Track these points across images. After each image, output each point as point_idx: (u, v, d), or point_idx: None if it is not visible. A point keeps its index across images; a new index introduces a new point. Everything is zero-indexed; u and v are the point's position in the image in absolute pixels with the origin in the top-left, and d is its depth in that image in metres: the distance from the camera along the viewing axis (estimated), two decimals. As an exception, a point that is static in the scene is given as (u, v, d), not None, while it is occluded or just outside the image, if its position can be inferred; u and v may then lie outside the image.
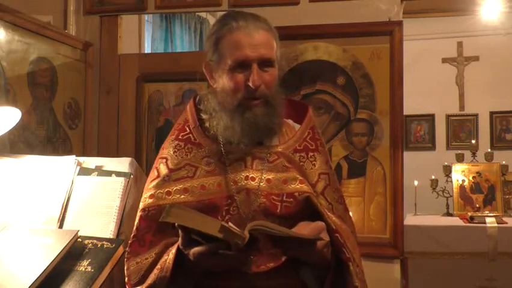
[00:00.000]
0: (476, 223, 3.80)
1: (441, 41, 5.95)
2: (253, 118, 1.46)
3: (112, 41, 3.03)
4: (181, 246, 1.34)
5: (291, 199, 1.46)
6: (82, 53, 2.92)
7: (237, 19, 1.46)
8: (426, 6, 5.36)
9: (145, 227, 1.47)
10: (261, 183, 1.46)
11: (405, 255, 3.02)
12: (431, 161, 5.29)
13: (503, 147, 5.80)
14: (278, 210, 1.45)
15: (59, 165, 1.82)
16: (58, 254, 1.53)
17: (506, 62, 5.79)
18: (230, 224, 1.30)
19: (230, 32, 1.45)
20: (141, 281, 1.42)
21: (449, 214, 4.20)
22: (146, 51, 4.01)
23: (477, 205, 4.10)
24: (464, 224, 3.84)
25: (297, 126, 1.61)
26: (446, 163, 4.40)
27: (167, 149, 1.55)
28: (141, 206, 1.50)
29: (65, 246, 1.55)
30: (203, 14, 4.85)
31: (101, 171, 1.80)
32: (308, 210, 1.46)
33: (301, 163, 1.53)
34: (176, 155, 1.52)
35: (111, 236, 1.66)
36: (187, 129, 1.55)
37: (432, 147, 6.17)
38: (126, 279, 1.45)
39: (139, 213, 1.50)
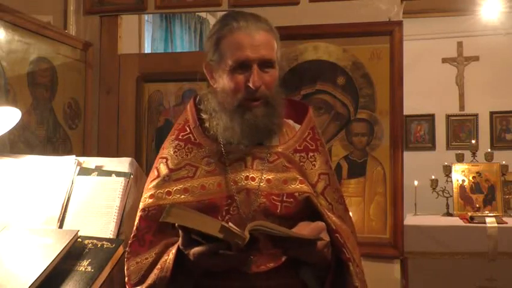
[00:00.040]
0: (476, 223, 3.80)
1: (441, 41, 5.96)
2: (253, 119, 1.46)
3: (112, 41, 3.03)
4: (181, 246, 1.34)
5: (291, 199, 1.46)
6: (82, 53, 2.92)
7: (237, 19, 1.46)
8: (426, 6, 5.36)
9: (145, 227, 1.47)
10: (261, 183, 1.46)
11: (405, 255, 3.02)
12: (431, 161, 5.29)
13: (503, 147, 5.80)
14: (278, 211, 1.45)
15: (59, 165, 1.82)
16: (58, 254, 1.53)
17: (506, 62, 5.79)
18: (230, 224, 1.30)
19: (231, 33, 1.45)
20: (141, 280, 1.42)
21: (449, 214, 4.20)
22: (146, 51, 4.01)
23: (477, 205, 4.10)
24: (464, 224, 3.84)
25: (297, 126, 1.61)
26: (446, 163, 4.40)
27: (167, 149, 1.55)
28: (141, 206, 1.50)
29: (65, 246, 1.55)
30: (203, 14, 4.85)
31: (101, 171, 1.80)
32: (308, 211, 1.46)
33: (301, 163, 1.53)
34: (176, 155, 1.52)
35: (111, 236, 1.66)
36: (187, 129, 1.55)
37: (432, 147, 6.17)
38: (126, 279, 1.45)
39: (139, 213, 1.50)
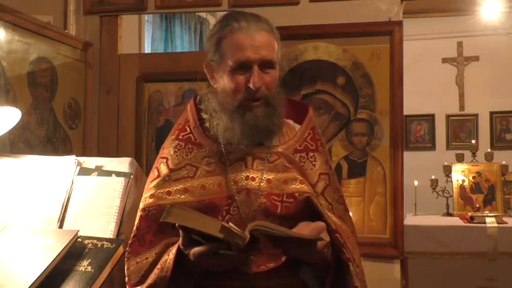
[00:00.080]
0: (476, 223, 3.80)
1: (441, 41, 5.95)
2: (253, 119, 1.46)
3: (112, 41, 3.03)
4: (181, 246, 1.34)
5: (292, 199, 1.46)
6: (82, 53, 2.92)
7: (238, 20, 1.46)
8: (426, 6, 5.36)
9: (145, 227, 1.47)
10: (261, 184, 1.46)
11: (405, 255, 3.02)
12: (431, 161, 5.29)
13: (503, 147, 5.80)
14: (278, 211, 1.45)
15: (59, 165, 1.82)
16: (58, 254, 1.53)
17: (506, 62, 5.79)
18: (231, 224, 1.30)
19: (231, 33, 1.45)
20: (141, 280, 1.42)
21: (449, 214, 4.20)
22: (146, 51, 4.01)
23: (477, 205, 4.10)
24: (464, 224, 3.84)
25: (297, 126, 1.61)
26: (446, 163, 4.40)
27: (167, 149, 1.55)
28: (141, 205, 1.50)
29: (65, 246, 1.55)
30: (203, 14, 4.85)
31: (101, 171, 1.80)
32: (308, 211, 1.46)
33: (301, 163, 1.53)
34: (176, 155, 1.52)
35: (111, 236, 1.66)
36: (188, 129, 1.55)
37: (432, 147, 6.17)
38: (126, 279, 1.45)
39: (139, 213, 1.50)
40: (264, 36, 1.46)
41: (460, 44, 6.08)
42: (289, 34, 2.66)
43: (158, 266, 1.40)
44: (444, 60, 6.14)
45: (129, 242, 1.48)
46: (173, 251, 1.39)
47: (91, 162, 1.85)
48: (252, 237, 1.26)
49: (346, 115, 2.75)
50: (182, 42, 4.58)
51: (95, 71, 3.00)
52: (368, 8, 2.75)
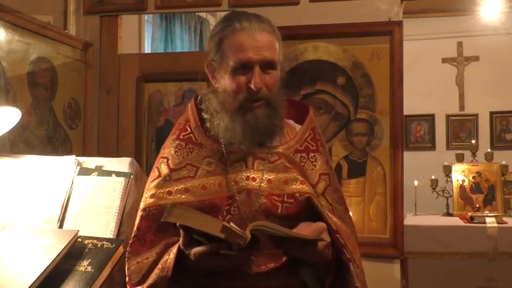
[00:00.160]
0: (476, 223, 3.80)
1: (441, 41, 5.95)
2: (254, 120, 1.46)
3: (112, 41, 3.03)
4: (182, 246, 1.34)
5: (292, 200, 1.46)
6: (82, 53, 2.92)
7: (240, 20, 1.46)
8: (426, 6, 5.36)
9: (145, 227, 1.47)
10: (262, 184, 1.46)
11: (405, 255, 3.02)
12: (431, 161, 5.28)
13: (503, 147, 5.80)
14: (279, 211, 1.45)
15: (59, 165, 1.82)
16: (58, 254, 1.53)
17: (506, 62, 5.79)
18: (231, 224, 1.30)
19: (233, 33, 1.45)
20: (142, 280, 1.42)
21: (449, 214, 4.20)
22: (146, 51, 4.01)
23: (477, 205, 4.10)
24: (464, 224, 3.84)
25: (298, 126, 1.61)
26: (446, 163, 4.40)
27: (168, 149, 1.55)
28: (142, 205, 1.50)
29: (65, 246, 1.55)
30: (203, 14, 4.85)
31: (101, 171, 1.80)
32: (309, 211, 1.46)
33: (302, 164, 1.53)
34: (177, 155, 1.52)
35: (111, 236, 1.66)
36: (188, 129, 1.55)
37: (432, 147, 6.17)
38: (127, 278, 1.45)
39: (139, 213, 1.50)
40: (266, 36, 1.46)
41: (460, 44, 6.08)
42: (289, 34, 2.65)
43: (159, 265, 1.40)
44: (444, 60, 6.14)
45: (130, 241, 1.48)
46: (174, 250, 1.39)
47: (91, 162, 1.85)
48: (253, 237, 1.26)
49: (346, 115, 2.75)
50: (182, 42, 4.58)
51: (95, 71, 3.00)
52: (368, 8, 2.75)
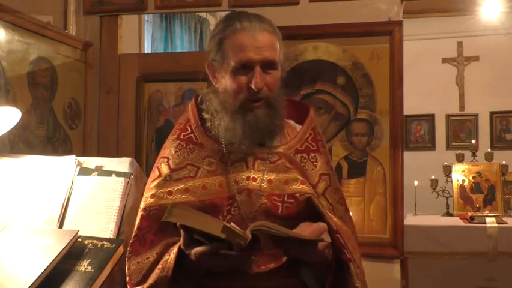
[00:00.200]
0: (476, 223, 3.80)
1: (441, 41, 5.95)
2: (254, 120, 1.46)
3: (112, 41, 3.03)
4: (182, 246, 1.34)
5: (292, 200, 1.46)
6: (82, 53, 2.91)
7: (241, 20, 1.46)
8: (426, 6, 5.36)
9: (146, 227, 1.47)
10: (262, 184, 1.46)
11: (405, 255, 3.02)
12: (431, 161, 5.28)
13: (503, 147, 5.80)
14: (279, 211, 1.45)
15: (59, 165, 1.82)
16: (58, 254, 1.53)
17: (506, 62, 5.79)
18: (232, 224, 1.30)
19: (234, 33, 1.45)
20: (142, 280, 1.42)
21: (449, 214, 4.20)
22: (146, 51, 4.01)
23: (477, 205, 4.10)
24: (464, 224, 3.84)
25: (298, 127, 1.61)
26: (446, 163, 4.40)
27: (168, 149, 1.55)
28: (142, 205, 1.50)
29: (65, 246, 1.55)
30: (203, 14, 4.85)
31: (101, 171, 1.80)
32: (309, 211, 1.46)
33: (302, 164, 1.53)
34: (178, 155, 1.52)
35: (111, 236, 1.66)
36: (189, 128, 1.55)
37: (432, 147, 6.17)
38: (127, 278, 1.45)
39: (140, 213, 1.50)
40: (267, 36, 1.46)
41: (460, 44, 6.08)
42: (289, 34, 2.64)
43: (159, 265, 1.40)
44: (444, 60, 6.14)
45: (130, 241, 1.48)
46: (174, 250, 1.39)
47: (91, 162, 1.85)
48: (254, 238, 1.26)
49: (346, 115, 2.75)
50: (182, 42, 4.58)
51: (95, 71, 3.00)
52: (368, 8, 2.75)
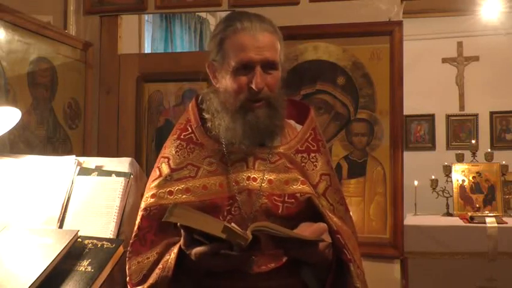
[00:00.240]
0: (476, 223, 3.80)
1: (441, 41, 5.96)
2: (255, 120, 1.46)
3: (112, 41, 3.03)
4: (183, 246, 1.34)
5: (293, 200, 1.46)
6: (82, 53, 2.91)
7: (241, 20, 1.46)
8: (426, 6, 5.35)
9: (146, 227, 1.47)
10: (262, 184, 1.46)
11: (405, 255, 3.01)
12: (431, 161, 5.28)
13: (503, 147, 5.80)
14: (280, 211, 1.45)
15: (59, 165, 1.82)
16: (58, 254, 1.53)
17: (506, 62, 5.79)
18: (233, 224, 1.30)
19: (234, 33, 1.45)
20: (143, 280, 1.42)
21: (449, 214, 4.20)
22: (146, 51, 4.01)
23: (477, 205, 4.10)
24: (464, 224, 3.84)
25: (298, 127, 1.61)
26: (446, 163, 4.40)
27: (169, 149, 1.55)
28: (143, 205, 1.50)
29: (65, 246, 1.55)
30: (203, 14, 4.85)
31: (101, 171, 1.80)
32: (309, 211, 1.46)
33: (302, 164, 1.53)
34: (178, 155, 1.52)
35: (111, 236, 1.66)
36: (189, 128, 1.55)
37: (432, 147, 6.17)
38: (127, 278, 1.45)
39: (140, 213, 1.50)
40: (267, 37, 1.46)
41: (460, 44, 6.08)
42: (289, 34, 2.63)
43: (160, 265, 1.40)
44: (444, 60, 6.14)
45: (130, 241, 1.48)
46: (174, 250, 1.39)
47: (91, 162, 1.85)
48: (254, 238, 1.26)
49: (346, 115, 2.75)
50: (182, 42, 4.58)
51: (95, 71, 3.00)
52: (368, 8, 2.75)
